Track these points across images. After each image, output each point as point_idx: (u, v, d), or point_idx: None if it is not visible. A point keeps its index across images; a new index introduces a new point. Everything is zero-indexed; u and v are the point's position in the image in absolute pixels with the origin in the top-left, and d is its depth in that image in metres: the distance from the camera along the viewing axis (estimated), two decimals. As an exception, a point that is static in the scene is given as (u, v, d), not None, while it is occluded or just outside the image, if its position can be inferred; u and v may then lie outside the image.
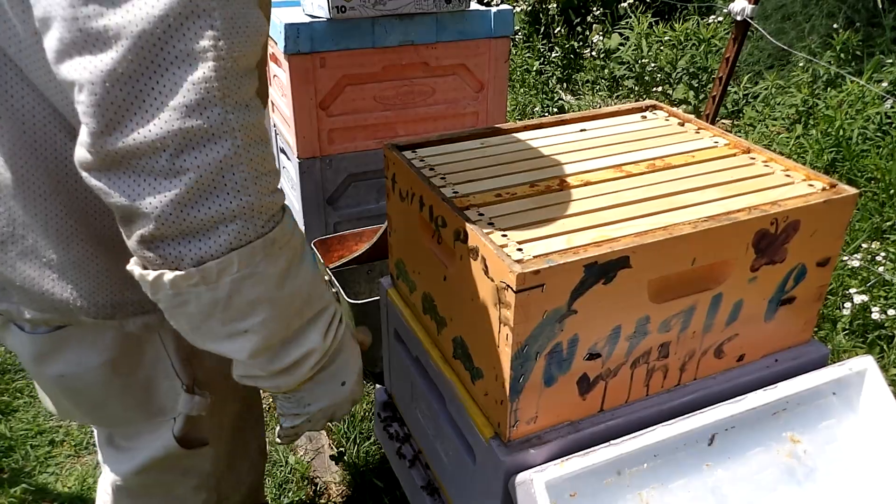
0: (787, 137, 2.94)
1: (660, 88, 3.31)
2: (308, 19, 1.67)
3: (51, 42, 0.62)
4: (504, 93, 1.90)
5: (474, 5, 1.78)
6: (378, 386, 1.45)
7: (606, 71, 3.80)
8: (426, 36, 1.71)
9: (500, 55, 1.83)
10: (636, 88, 3.40)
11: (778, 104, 3.21)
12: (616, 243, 0.85)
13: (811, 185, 0.99)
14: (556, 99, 3.93)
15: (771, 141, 3.02)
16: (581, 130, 1.21)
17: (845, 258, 2.32)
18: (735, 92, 3.32)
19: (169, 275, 0.68)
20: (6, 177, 0.81)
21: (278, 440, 0.95)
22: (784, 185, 1.00)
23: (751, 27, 1.77)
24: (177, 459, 1.06)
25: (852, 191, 0.96)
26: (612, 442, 0.90)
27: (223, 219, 0.67)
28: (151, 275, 0.69)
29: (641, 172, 1.05)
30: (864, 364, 1.02)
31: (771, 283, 0.99)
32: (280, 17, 1.72)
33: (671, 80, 3.28)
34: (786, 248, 0.96)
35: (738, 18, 1.74)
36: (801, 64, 3.30)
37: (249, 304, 0.73)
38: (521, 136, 1.20)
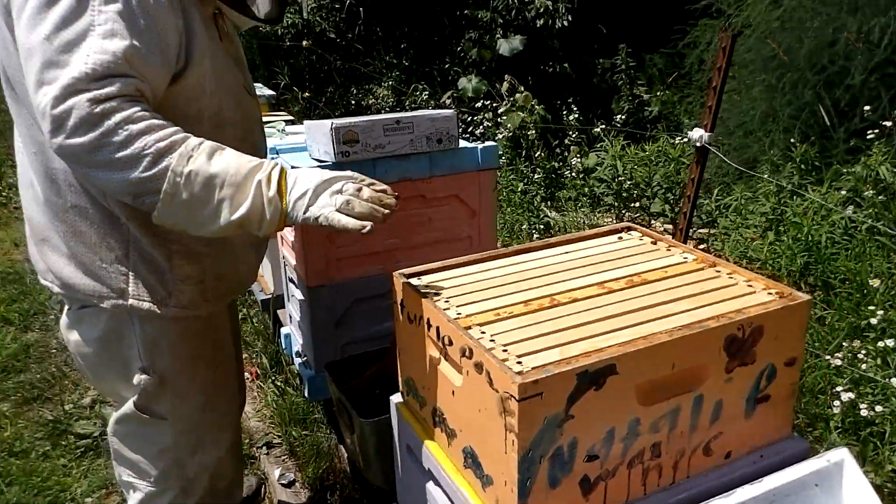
0: (761, 244, 3.13)
1: (637, 203, 3.55)
2: (315, 164, 1.86)
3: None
4: (494, 216, 2.07)
5: (463, 143, 1.99)
6: None
7: (587, 188, 4.05)
8: (422, 172, 1.91)
9: (488, 184, 2.02)
10: (616, 204, 3.64)
11: (749, 213, 3.43)
12: (603, 353, 0.97)
13: (770, 294, 1.13)
14: (541, 216, 4.16)
15: (746, 248, 3.21)
16: (565, 252, 1.36)
17: (828, 357, 2.43)
18: (708, 203, 3.55)
19: None
20: (39, 191, 1.21)
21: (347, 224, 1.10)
22: (746, 294, 1.14)
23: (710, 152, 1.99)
24: (140, 422, 1.36)
25: (805, 297, 1.10)
26: (615, 538, 0.97)
27: None
28: None
29: (622, 288, 1.19)
30: (841, 455, 1.11)
31: (746, 383, 1.10)
32: (289, 163, 1.92)
33: (647, 195, 3.52)
34: (754, 350, 1.08)
35: (698, 144, 1.96)
36: (765, 175, 3.56)
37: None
38: (513, 259, 1.35)
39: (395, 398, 1.38)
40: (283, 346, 2.36)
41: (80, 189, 1.19)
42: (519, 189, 4.40)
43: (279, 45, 6.99)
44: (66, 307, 1.34)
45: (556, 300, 1.16)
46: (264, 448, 2.23)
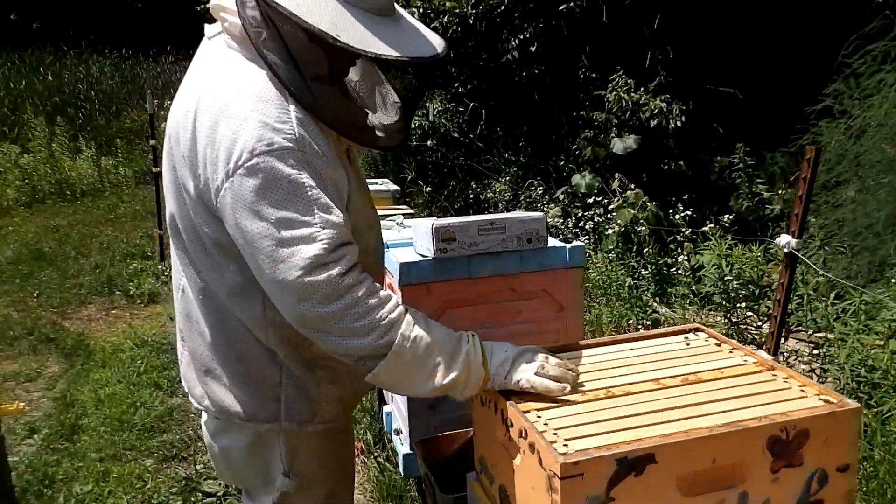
0: (882, 352, 2.97)
1: (744, 304, 3.50)
2: (418, 258, 2.11)
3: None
4: (581, 313, 2.20)
5: (553, 242, 2.17)
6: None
7: (694, 286, 4.03)
8: (512, 268, 2.09)
9: (576, 282, 2.16)
10: (723, 303, 3.60)
11: (870, 319, 3.28)
12: (643, 442, 1.08)
13: (820, 399, 1.19)
14: (649, 312, 4.17)
15: (866, 356, 3.06)
16: (630, 349, 1.47)
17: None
18: (824, 307, 3.43)
19: None
20: (206, 331, 1.36)
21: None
22: (797, 398, 1.20)
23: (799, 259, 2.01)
24: None
25: (854, 405, 1.15)
26: None
27: None
28: None
29: (676, 385, 1.28)
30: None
31: (795, 485, 1.15)
32: (397, 256, 2.17)
33: (755, 297, 3.47)
34: (801, 453, 1.13)
35: (786, 250, 2.01)
36: (894, 280, 3.40)
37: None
38: (582, 352, 1.48)
39: (471, 475, 1.52)
40: (385, 424, 2.56)
41: (246, 332, 1.34)
42: (627, 283, 4.44)
43: (407, 144, 7.61)
44: (211, 414, 1.45)
45: (612, 392, 1.27)
46: (363, 519, 2.40)
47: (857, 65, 4.55)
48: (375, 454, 2.66)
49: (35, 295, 5.02)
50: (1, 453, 1.97)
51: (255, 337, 1.34)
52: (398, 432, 2.33)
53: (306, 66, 1.17)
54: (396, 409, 2.39)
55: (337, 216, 1.17)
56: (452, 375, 1.24)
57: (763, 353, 2.13)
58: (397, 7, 1.29)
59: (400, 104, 1.41)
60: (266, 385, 1.37)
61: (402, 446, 2.22)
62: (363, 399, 3.00)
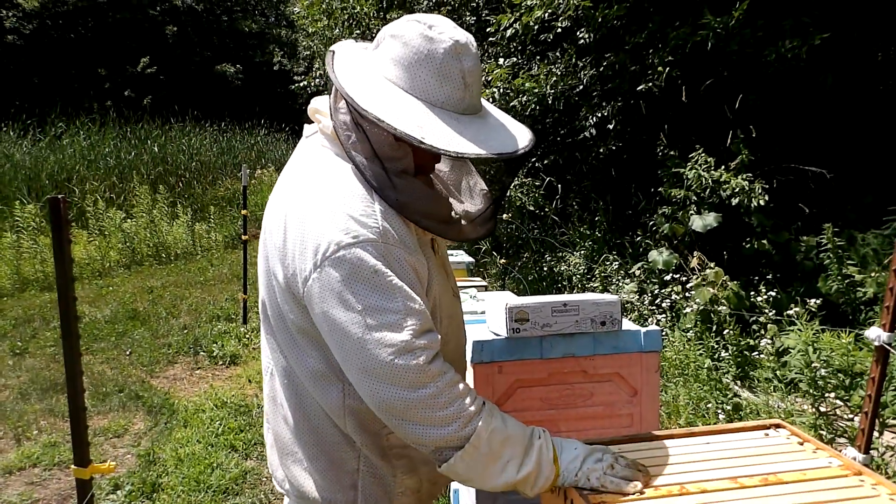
0: None
1: (832, 394, 3.31)
2: (491, 336, 2.14)
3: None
4: (656, 398, 2.15)
5: (627, 325, 2.15)
6: None
7: (780, 372, 3.86)
8: (585, 350, 2.09)
9: (650, 366, 2.13)
10: (810, 391, 3.42)
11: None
12: (717, 546, 1.05)
13: (912, 510, 1.12)
14: (730, 396, 3.99)
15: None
16: (706, 443, 1.44)
17: None
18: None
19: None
20: (289, 416, 1.40)
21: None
22: (886, 508, 1.14)
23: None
24: None
25: (950, 519, 1.08)
26: None
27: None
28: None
29: (754, 485, 1.24)
30: None
31: None
32: (470, 334, 2.21)
33: (845, 386, 3.28)
34: (891, 568, 1.07)
35: (876, 344, 1.92)
36: None
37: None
38: (655, 444, 1.45)
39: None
40: (452, 501, 2.54)
41: (326, 418, 1.37)
42: (706, 365, 4.29)
43: (493, 234, 7.73)
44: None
45: (686, 489, 1.24)
46: None
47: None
48: (442, 532, 2.63)
49: (128, 353, 5.32)
50: (90, 508, 2.07)
51: (333, 423, 1.37)
52: (466, 513, 2.31)
53: (390, 163, 1.25)
54: (463, 488, 2.38)
55: (419, 304, 1.22)
56: (526, 471, 1.24)
57: (853, 450, 2.02)
58: (484, 103, 1.35)
59: (487, 192, 1.43)
60: (344, 472, 1.39)
61: (470, 528, 2.19)
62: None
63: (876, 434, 3.13)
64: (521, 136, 1.31)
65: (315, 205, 1.24)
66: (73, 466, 2.03)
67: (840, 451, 1.80)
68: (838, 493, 1.19)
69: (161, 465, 3.40)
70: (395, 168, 1.26)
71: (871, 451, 2.37)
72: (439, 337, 1.24)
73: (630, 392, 2.16)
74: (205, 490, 3.15)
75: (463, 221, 1.39)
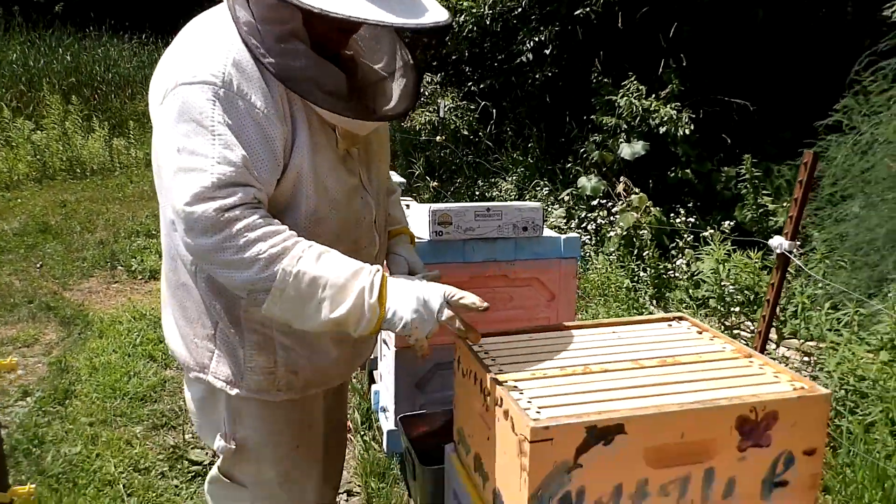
0: (871, 362, 2.98)
1: (737, 309, 3.51)
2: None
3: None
4: (572, 302, 2.22)
5: (548, 232, 2.19)
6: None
7: (693, 291, 4.05)
8: (506, 255, 2.12)
9: (568, 272, 2.19)
10: (718, 308, 3.61)
11: (865, 331, 3.28)
12: (614, 413, 1.10)
13: (793, 385, 1.20)
14: (646, 314, 4.18)
15: (856, 366, 3.06)
16: (613, 332, 1.49)
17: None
18: (818, 316, 3.44)
19: None
20: (165, 266, 1.43)
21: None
22: (770, 383, 1.22)
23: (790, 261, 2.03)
24: (223, 485, 1.49)
25: (824, 391, 1.16)
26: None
27: None
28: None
29: (653, 366, 1.30)
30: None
31: (761, 465, 1.17)
32: (393, 237, 2.20)
33: (751, 302, 3.48)
34: (769, 434, 1.15)
35: (778, 251, 2.02)
36: (890, 294, 3.40)
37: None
38: (566, 333, 1.50)
39: (449, 447, 1.55)
40: (373, 403, 2.58)
41: (190, 269, 1.35)
42: (625, 286, 4.46)
43: (417, 139, 7.65)
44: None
45: (590, 369, 1.29)
46: (344, 495, 2.42)
47: (867, 81, 4.56)
48: (362, 433, 2.68)
49: (38, 266, 5.07)
50: (-7, 407, 1.99)
51: (195, 276, 1.35)
52: (384, 410, 2.36)
53: (270, 25, 1.20)
54: (384, 388, 2.42)
55: (236, 156, 1.18)
56: (339, 312, 1.21)
57: (749, 352, 2.14)
58: None
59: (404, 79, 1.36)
60: (203, 332, 1.38)
61: (387, 423, 2.25)
62: (353, 379, 3.03)
63: (773, 346, 3.36)
64: (438, 14, 1.24)
65: (177, 46, 1.28)
66: (-29, 364, 1.94)
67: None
68: (729, 372, 1.27)
69: (74, 374, 3.31)
70: (276, 31, 1.20)
71: (765, 354, 2.54)
72: (253, 192, 1.20)
73: (548, 296, 2.21)
74: (120, 397, 3.08)
75: (349, 102, 1.30)
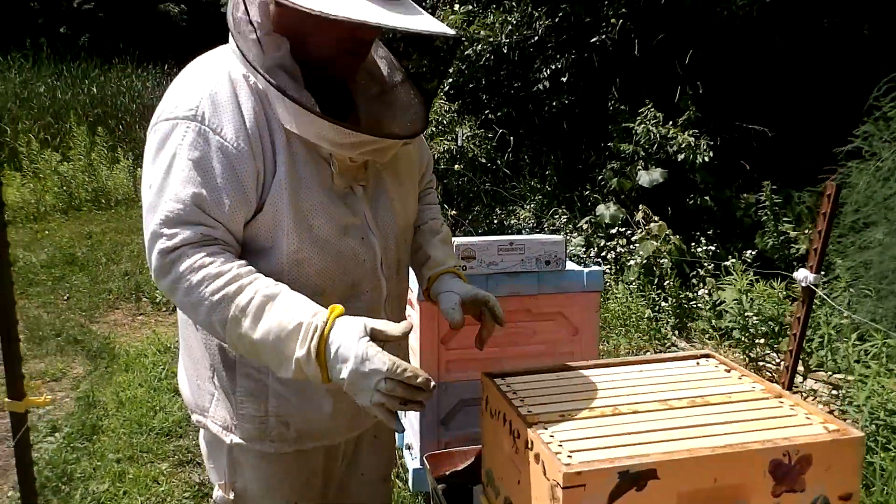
0: (901, 394, 2.93)
1: (762, 340, 3.48)
2: (438, 274, 2.16)
3: None
4: (596, 336, 2.22)
5: (570, 265, 2.20)
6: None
7: (715, 322, 4.03)
8: (529, 289, 2.13)
9: (591, 306, 2.19)
10: (742, 339, 3.58)
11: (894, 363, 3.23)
12: (646, 458, 1.10)
13: (825, 428, 1.20)
14: (668, 345, 4.15)
15: (886, 399, 3.01)
16: (640, 371, 1.49)
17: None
18: (846, 347, 3.39)
19: None
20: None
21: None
22: (802, 425, 1.21)
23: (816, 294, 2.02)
24: None
25: (857, 434, 1.15)
26: None
27: None
28: None
29: (682, 407, 1.30)
30: None
31: (796, 510, 1.15)
32: (417, 273, 2.22)
33: (775, 334, 3.45)
34: (803, 478, 1.14)
35: (803, 285, 2.01)
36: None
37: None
38: (592, 371, 1.50)
39: (477, 488, 1.54)
40: (397, 440, 2.58)
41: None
42: (646, 315, 4.44)
43: (436, 167, 7.71)
44: None
45: (619, 410, 1.29)
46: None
47: (887, 107, 4.55)
48: (386, 469, 2.68)
49: (65, 298, 5.16)
50: (26, 444, 2.03)
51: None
52: (409, 447, 2.36)
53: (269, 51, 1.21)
54: (408, 425, 2.42)
55: (186, 193, 1.14)
56: (287, 374, 1.15)
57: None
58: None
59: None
60: (205, 375, 1.34)
61: (413, 461, 2.24)
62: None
63: (800, 379, 3.32)
64: (443, 28, 1.21)
65: (171, 85, 1.28)
66: (6, 400, 1.97)
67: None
68: (760, 413, 1.26)
69: (101, 409, 3.35)
70: (273, 59, 1.20)
71: (793, 390, 2.51)
72: (201, 230, 1.15)
73: (571, 331, 2.22)
74: (147, 432, 3.11)
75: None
